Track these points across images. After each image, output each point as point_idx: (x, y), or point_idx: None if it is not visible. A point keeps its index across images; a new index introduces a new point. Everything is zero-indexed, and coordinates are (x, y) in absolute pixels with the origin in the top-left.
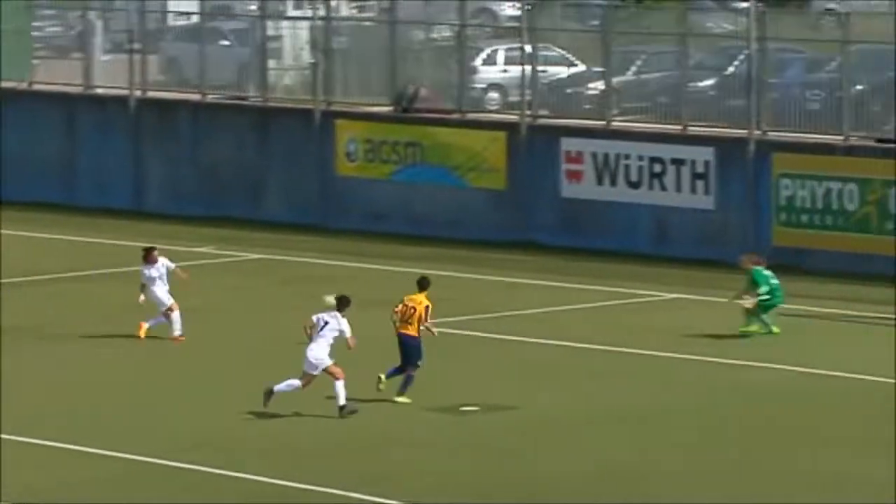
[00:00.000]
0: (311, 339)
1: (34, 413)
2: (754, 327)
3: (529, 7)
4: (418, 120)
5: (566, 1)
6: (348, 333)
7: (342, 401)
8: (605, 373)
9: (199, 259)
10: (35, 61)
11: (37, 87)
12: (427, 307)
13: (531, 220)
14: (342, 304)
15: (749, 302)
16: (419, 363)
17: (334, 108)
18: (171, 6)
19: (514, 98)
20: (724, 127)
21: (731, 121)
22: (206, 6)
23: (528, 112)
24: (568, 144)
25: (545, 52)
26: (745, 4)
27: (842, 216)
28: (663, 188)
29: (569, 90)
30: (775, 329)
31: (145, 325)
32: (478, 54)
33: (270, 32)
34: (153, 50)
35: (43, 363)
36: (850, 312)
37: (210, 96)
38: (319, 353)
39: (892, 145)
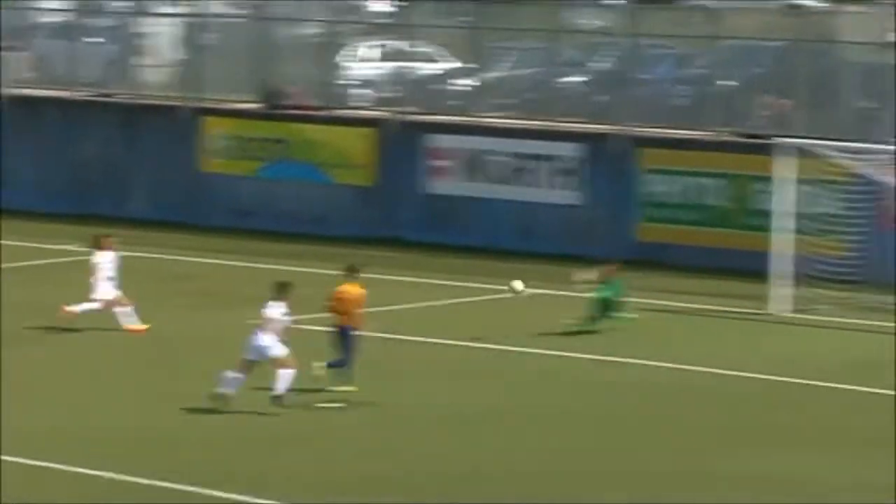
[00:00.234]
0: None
1: None
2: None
3: (399, 5)
4: (286, 117)
5: None
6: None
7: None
8: (468, 370)
9: (64, 257)
10: None
11: None
12: (360, 295)
13: (397, 217)
14: (283, 291)
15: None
16: (354, 352)
17: (202, 105)
18: (43, 3)
19: (383, 95)
20: (592, 123)
21: (599, 117)
22: (78, 3)
23: (397, 109)
24: (435, 141)
25: (415, 49)
26: (615, 1)
27: (707, 211)
28: (530, 184)
29: (438, 87)
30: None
31: (75, 309)
32: (347, 51)
33: (140, 29)
34: (24, 47)
35: None
36: (713, 307)
37: (78, 93)
38: (268, 340)
39: (759, 141)
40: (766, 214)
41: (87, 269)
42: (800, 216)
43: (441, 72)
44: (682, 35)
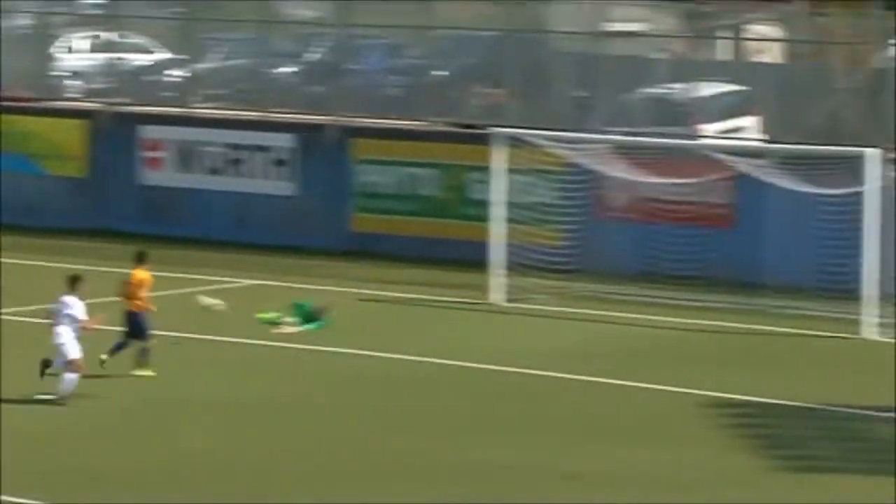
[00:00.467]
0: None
1: None
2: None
3: None
4: None
5: None
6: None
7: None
8: (188, 361)
9: None
10: None
11: None
12: (146, 279)
13: (111, 208)
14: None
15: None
16: (149, 333)
17: None
18: None
19: (96, 86)
20: (305, 113)
21: (312, 107)
22: None
23: (109, 100)
24: (149, 132)
25: (127, 40)
26: None
27: (422, 202)
28: (244, 175)
29: (150, 77)
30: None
31: None
32: (60, 42)
33: None
34: None
35: None
36: (431, 297)
37: None
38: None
39: (472, 131)
40: (482, 204)
41: None
42: (516, 206)
43: (153, 63)
44: (393, 25)
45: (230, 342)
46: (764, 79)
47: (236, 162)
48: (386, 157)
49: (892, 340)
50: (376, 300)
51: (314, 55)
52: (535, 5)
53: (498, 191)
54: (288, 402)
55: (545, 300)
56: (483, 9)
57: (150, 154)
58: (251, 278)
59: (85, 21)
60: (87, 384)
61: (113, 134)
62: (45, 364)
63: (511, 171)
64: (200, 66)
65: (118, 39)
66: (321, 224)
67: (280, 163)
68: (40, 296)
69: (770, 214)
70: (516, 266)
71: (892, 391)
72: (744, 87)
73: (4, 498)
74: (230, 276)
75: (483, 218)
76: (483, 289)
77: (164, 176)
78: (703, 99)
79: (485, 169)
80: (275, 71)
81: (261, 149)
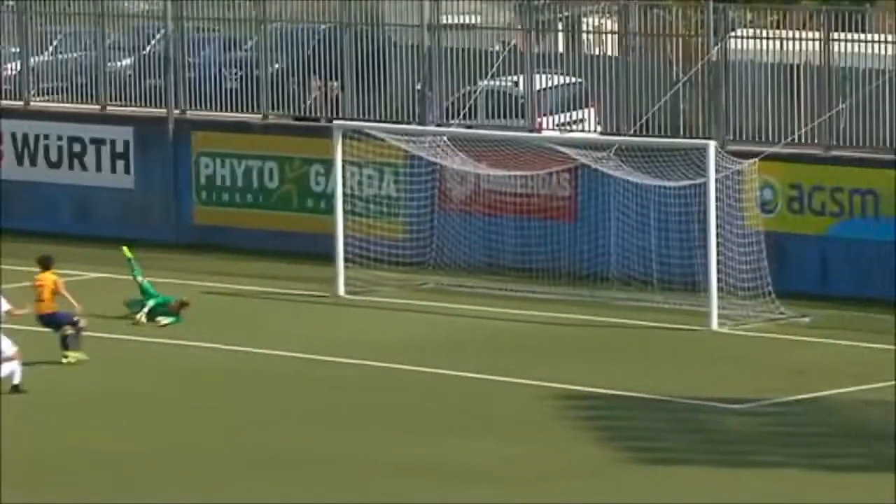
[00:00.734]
0: None
1: None
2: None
3: None
4: None
5: None
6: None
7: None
8: (43, 355)
9: None
10: None
11: None
12: (56, 281)
13: None
14: None
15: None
16: (73, 320)
17: None
18: None
19: None
20: (143, 107)
21: (150, 100)
22: None
23: None
24: None
25: None
26: None
27: (262, 194)
28: (84, 168)
29: None
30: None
31: None
32: None
33: None
34: None
35: None
36: (277, 290)
37: None
38: None
39: (308, 123)
40: (324, 197)
41: None
42: (358, 198)
43: None
44: (228, 18)
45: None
46: (600, 71)
47: (76, 155)
48: (225, 150)
49: (738, 332)
50: (220, 293)
51: (151, 48)
52: None
53: (339, 183)
54: (132, 394)
55: (388, 293)
56: (315, 2)
57: None
58: (95, 271)
59: None
60: None
61: None
62: None
63: (351, 163)
64: (37, 58)
65: None
66: (161, 217)
67: (119, 156)
68: None
69: (612, 207)
70: (359, 259)
71: (739, 382)
72: (580, 80)
73: None
74: (74, 270)
75: (326, 210)
76: (328, 281)
77: (3, 170)
78: (541, 91)
79: (325, 161)
80: (112, 64)
81: (100, 142)
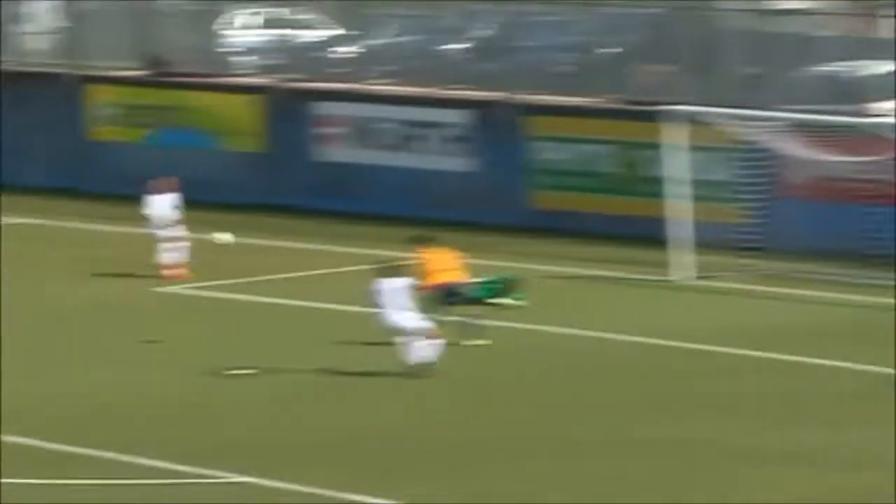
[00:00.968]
0: None
1: None
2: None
3: None
4: (172, 84)
5: None
6: None
7: None
8: (368, 336)
9: None
10: None
11: None
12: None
13: (287, 184)
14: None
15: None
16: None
17: (85, 72)
18: None
19: (268, 61)
20: (478, 90)
21: (485, 84)
22: None
23: (282, 75)
24: (323, 108)
25: (299, 16)
26: None
27: (599, 178)
28: (420, 151)
29: (322, 54)
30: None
31: None
32: (230, 17)
33: None
34: None
35: None
36: (613, 274)
37: None
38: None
39: (643, 108)
40: (656, 181)
41: None
42: (692, 182)
43: (323, 39)
44: (561, 2)
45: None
46: None
47: (411, 138)
48: (561, 134)
49: None
50: (558, 277)
51: (484, 32)
52: None
53: (674, 168)
54: (470, 378)
55: (731, 278)
56: None
57: (326, 130)
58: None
59: None
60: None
61: (288, 110)
62: None
63: (685, 148)
64: (370, 42)
65: (287, 16)
66: (499, 201)
67: (456, 140)
68: (224, 271)
69: None
70: (701, 243)
71: None
72: None
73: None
74: (409, 253)
75: (660, 195)
76: (663, 265)
77: (339, 152)
78: (873, 77)
79: (657, 146)
80: (445, 48)
81: (435, 125)
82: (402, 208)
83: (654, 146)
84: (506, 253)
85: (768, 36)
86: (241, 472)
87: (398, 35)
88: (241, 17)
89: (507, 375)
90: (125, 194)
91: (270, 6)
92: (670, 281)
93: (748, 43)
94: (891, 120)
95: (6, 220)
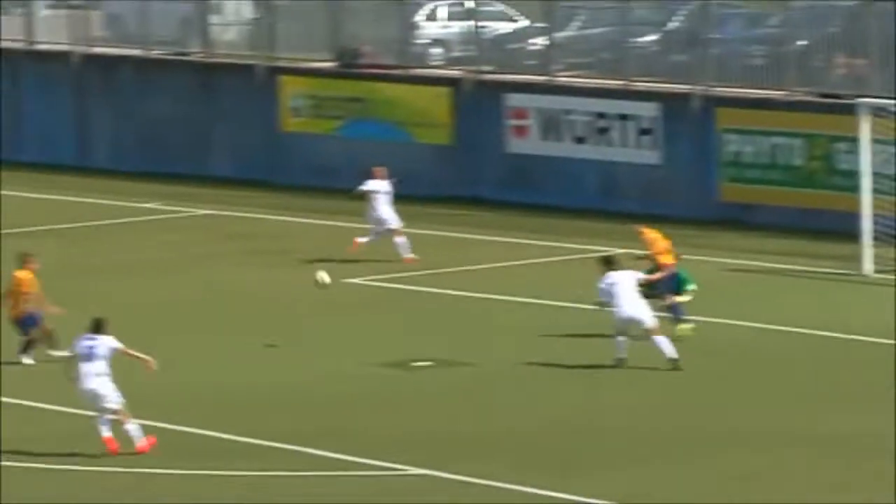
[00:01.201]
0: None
1: None
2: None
3: None
4: (362, 75)
5: None
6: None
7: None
8: (554, 329)
9: (145, 215)
10: None
11: None
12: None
13: (477, 176)
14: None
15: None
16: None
17: (277, 63)
18: None
19: (457, 54)
20: (667, 82)
21: (674, 76)
22: None
23: (472, 68)
24: (512, 100)
25: (487, 8)
26: None
27: (789, 171)
28: (609, 143)
29: (511, 46)
30: None
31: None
32: (420, 9)
33: None
34: (94, 5)
35: None
36: (803, 268)
37: (153, 52)
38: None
39: (834, 100)
40: (849, 174)
41: (366, 199)
42: (886, 176)
43: (514, 31)
44: None
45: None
46: None
47: (601, 130)
48: (751, 127)
49: None
50: (745, 270)
51: (672, 24)
52: None
53: (870, 161)
54: (655, 371)
55: None
56: None
57: (516, 122)
58: (618, 247)
59: None
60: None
61: (478, 102)
62: None
63: (879, 141)
64: (562, 34)
65: (480, 7)
66: (687, 193)
67: (645, 132)
68: (414, 263)
69: None
70: (887, 237)
71: None
72: None
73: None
74: (596, 245)
75: (851, 188)
76: (856, 259)
77: (529, 144)
78: None
79: (848, 139)
80: (636, 39)
81: (625, 117)
82: (590, 201)
83: (846, 139)
84: (693, 246)
85: None
86: (421, 465)
87: (587, 27)
88: (442, 9)
89: (696, 368)
90: (314, 186)
91: None
92: (863, 275)
93: None
94: None
95: (192, 210)
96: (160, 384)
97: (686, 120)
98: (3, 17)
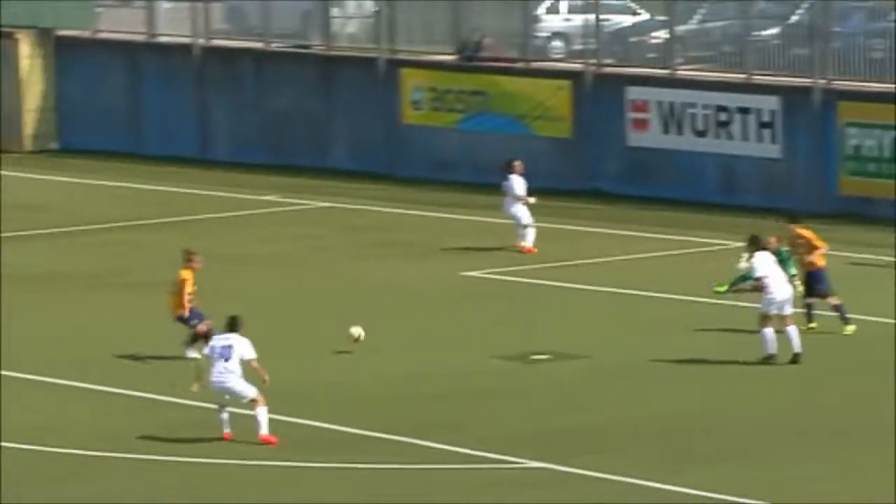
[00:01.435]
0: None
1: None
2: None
3: None
4: (483, 69)
5: None
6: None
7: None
8: (673, 322)
9: (265, 208)
10: (98, 9)
11: (100, 35)
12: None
13: (597, 169)
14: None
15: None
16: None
17: (398, 56)
18: None
19: (577, 47)
20: (788, 76)
21: (795, 69)
22: None
23: (593, 61)
24: (633, 93)
25: (608, 1)
26: None
27: None
28: (729, 137)
29: (632, 39)
30: None
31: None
32: (541, 2)
33: None
34: None
35: (88, 310)
36: None
37: (273, 45)
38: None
39: None
40: None
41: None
42: None
43: (635, 24)
44: None
45: (719, 304)
46: None
47: (721, 124)
48: (872, 121)
49: None
50: (864, 264)
51: (796, 17)
52: None
53: None
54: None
55: None
56: None
57: (636, 115)
58: (739, 241)
59: None
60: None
61: (598, 95)
62: None
63: None
64: (683, 27)
65: (602, 0)
66: (807, 187)
67: (765, 125)
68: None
69: None
70: None
71: None
72: None
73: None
74: (717, 239)
75: None
76: None
77: (649, 137)
78: None
79: None
80: (757, 33)
81: (746, 111)
82: (710, 194)
83: None
84: None
85: None
86: (539, 458)
87: (708, 20)
88: (563, 2)
89: (820, 363)
90: (434, 179)
91: None
92: None
93: None
94: None
95: (311, 203)
96: (278, 376)
97: (807, 113)
98: (125, 11)
